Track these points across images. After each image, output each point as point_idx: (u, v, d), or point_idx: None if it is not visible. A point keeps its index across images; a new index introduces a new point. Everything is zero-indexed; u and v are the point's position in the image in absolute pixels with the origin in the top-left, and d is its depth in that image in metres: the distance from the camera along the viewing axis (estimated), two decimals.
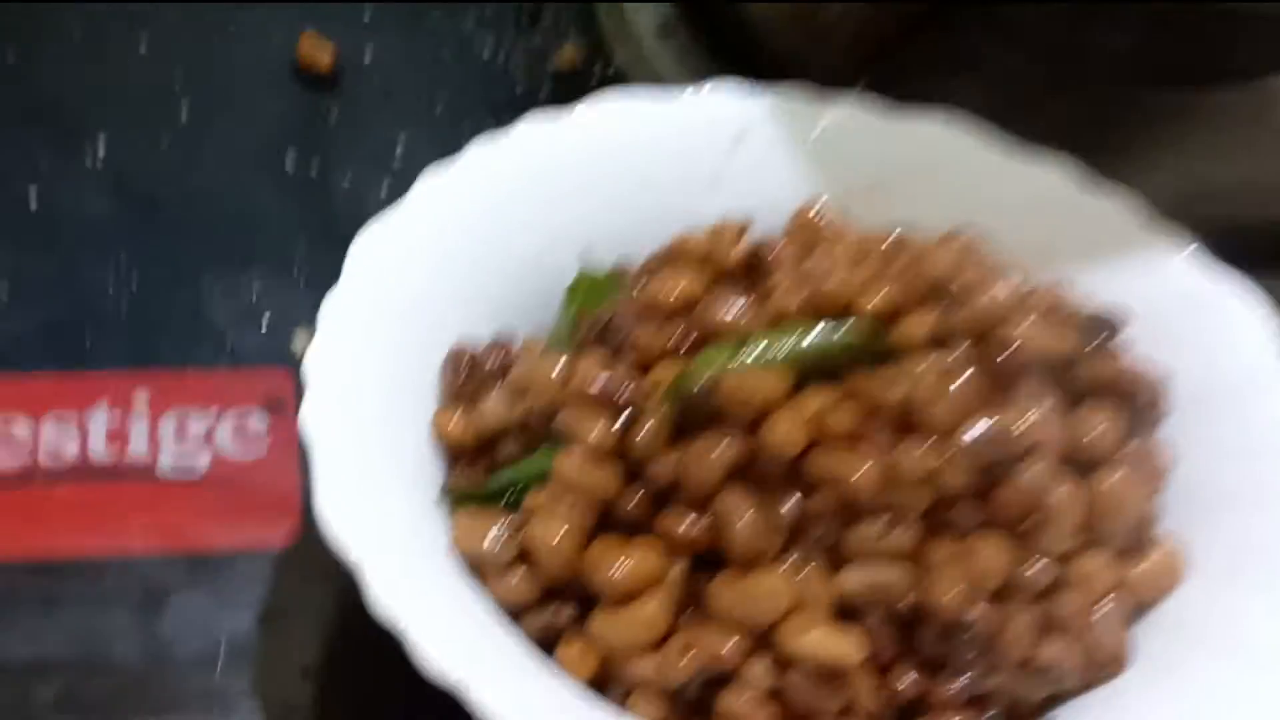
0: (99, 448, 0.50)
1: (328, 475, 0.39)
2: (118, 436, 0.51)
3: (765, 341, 0.40)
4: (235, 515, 0.49)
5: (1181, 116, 0.56)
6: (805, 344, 0.40)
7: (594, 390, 0.40)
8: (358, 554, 0.37)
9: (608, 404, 0.40)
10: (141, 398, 0.52)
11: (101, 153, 0.59)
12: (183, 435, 0.51)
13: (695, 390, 0.39)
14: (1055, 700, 0.41)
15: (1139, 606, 0.42)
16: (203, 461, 0.50)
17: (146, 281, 0.55)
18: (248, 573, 0.48)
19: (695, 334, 0.42)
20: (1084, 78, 0.57)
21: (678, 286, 0.43)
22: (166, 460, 0.50)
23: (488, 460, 0.43)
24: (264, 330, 0.54)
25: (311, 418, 0.40)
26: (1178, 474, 0.43)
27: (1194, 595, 0.41)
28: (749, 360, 0.40)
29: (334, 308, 0.42)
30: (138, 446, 0.51)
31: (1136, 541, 0.42)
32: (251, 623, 0.47)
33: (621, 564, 0.39)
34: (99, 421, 0.51)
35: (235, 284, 0.55)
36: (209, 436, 0.51)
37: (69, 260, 0.56)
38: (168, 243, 0.57)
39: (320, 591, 0.47)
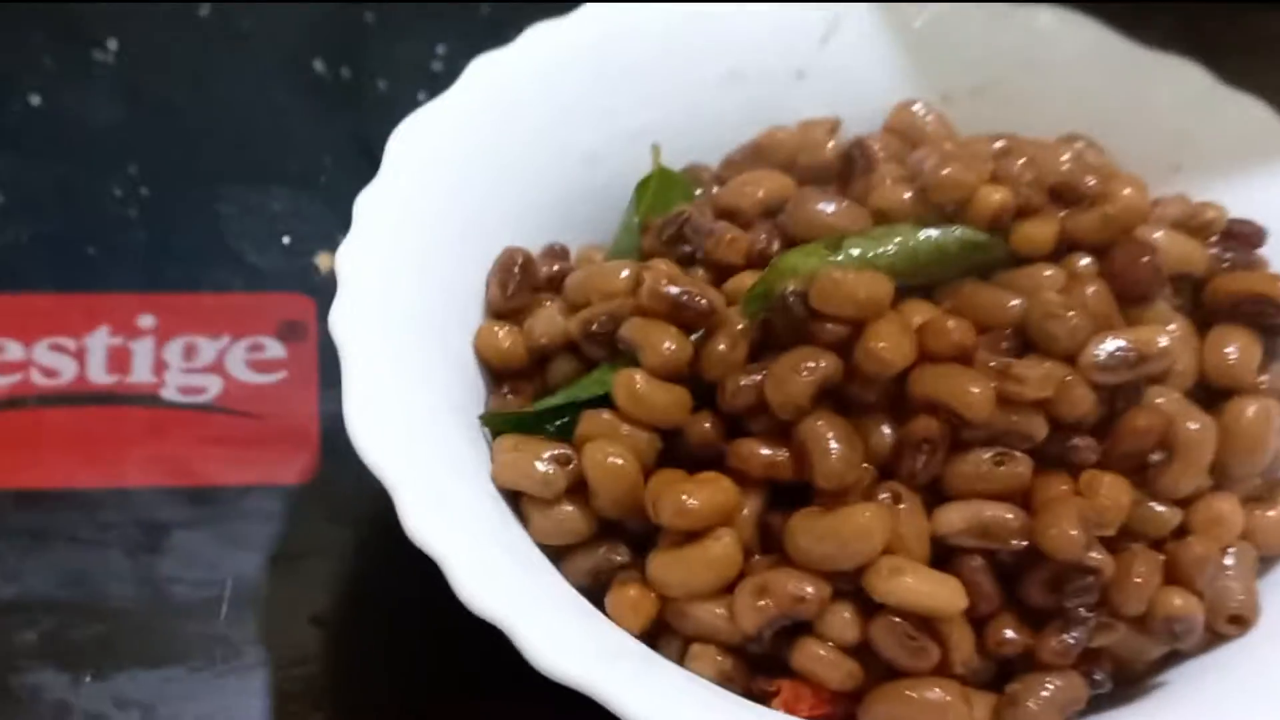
0: (98, 370, 0.48)
1: (360, 386, 0.36)
2: (119, 359, 0.48)
3: (865, 242, 0.37)
4: (246, 448, 0.46)
5: None
6: (913, 244, 0.37)
7: (665, 299, 0.38)
8: (393, 475, 0.34)
9: (680, 315, 0.38)
10: (148, 321, 0.49)
11: (113, 51, 0.57)
12: (191, 360, 0.49)
13: (782, 296, 0.36)
14: (1169, 661, 0.38)
15: (1269, 558, 0.39)
16: (212, 388, 0.48)
17: (157, 196, 0.52)
18: (257, 511, 0.45)
19: (782, 240, 0.39)
20: None
21: (763, 185, 0.41)
22: (172, 386, 0.48)
23: (538, 381, 0.41)
24: (284, 251, 0.51)
25: (342, 320, 0.37)
26: None
27: None
28: (846, 262, 0.37)
29: (371, 202, 0.40)
30: (141, 371, 0.48)
31: (1268, 484, 0.39)
32: (260, 565, 0.44)
33: (689, 497, 0.36)
34: (99, 344, 0.49)
35: (253, 201, 0.52)
36: (219, 362, 0.48)
37: (73, 170, 0.53)
38: (182, 154, 0.54)
39: (336, 534, 0.44)
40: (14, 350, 0.48)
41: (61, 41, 0.56)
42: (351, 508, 0.45)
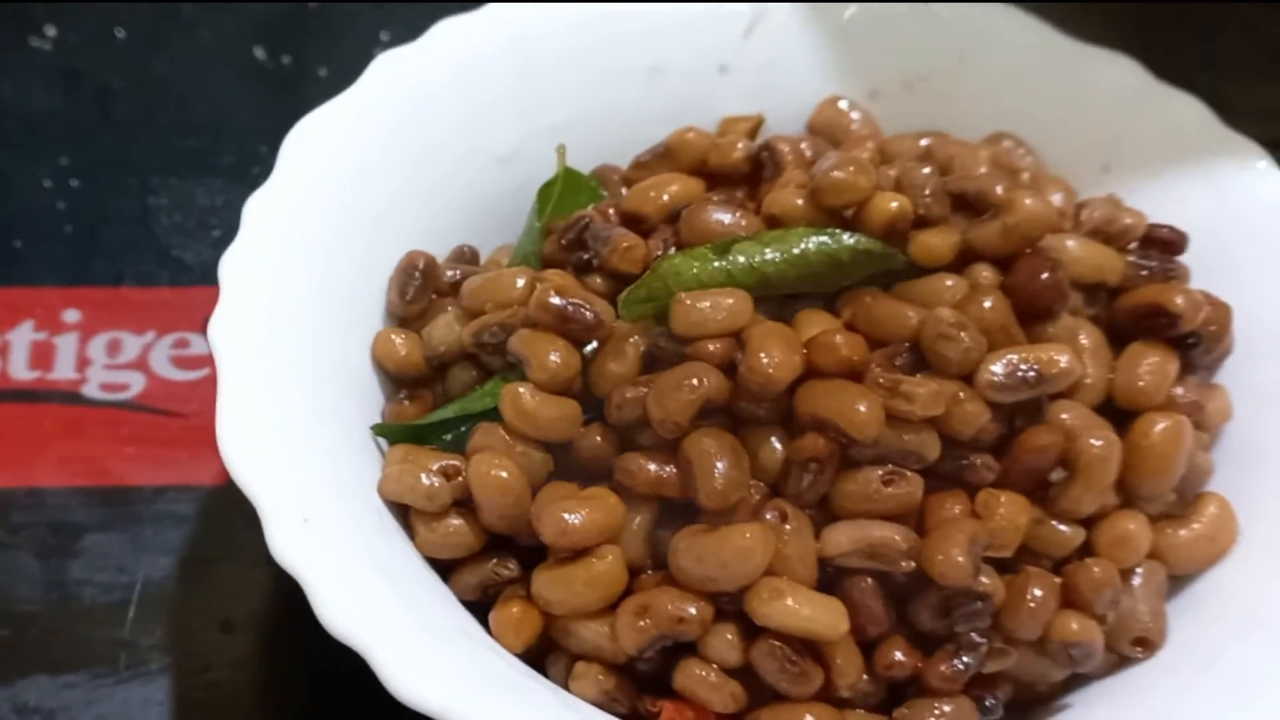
0: (19, 367, 0.48)
1: (233, 398, 0.36)
2: (43, 355, 0.48)
3: (753, 247, 0.37)
4: (164, 448, 0.46)
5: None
6: (801, 250, 0.37)
7: (552, 310, 0.37)
8: (255, 489, 0.35)
9: (568, 327, 0.37)
10: (73, 316, 0.50)
11: (51, 38, 0.57)
12: (115, 356, 0.49)
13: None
14: (1074, 684, 0.38)
15: (1179, 578, 0.39)
16: (135, 385, 0.48)
17: (88, 187, 0.53)
18: (171, 513, 0.45)
19: (679, 247, 0.39)
20: None
21: (668, 189, 0.40)
22: (94, 382, 0.48)
23: (438, 388, 0.41)
24: (214, 245, 0.51)
25: (220, 331, 0.37)
26: (1235, 425, 0.40)
27: (1246, 566, 0.38)
28: (729, 268, 0.37)
29: (260, 205, 0.40)
30: (64, 367, 0.48)
31: (1181, 502, 0.39)
32: (171, 569, 0.44)
33: (570, 515, 0.36)
34: (23, 339, 0.49)
35: (186, 193, 0.53)
36: (144, 358, 0.49)
37: (4, 160, 0.53)
38: (116, 144, 0.54)
39: (250, 538, 0.43)
40: None
41: None
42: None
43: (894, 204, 0.37)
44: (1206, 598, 0.38)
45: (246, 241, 0.39)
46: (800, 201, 0.38)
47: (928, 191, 0.38)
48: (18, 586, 0.44)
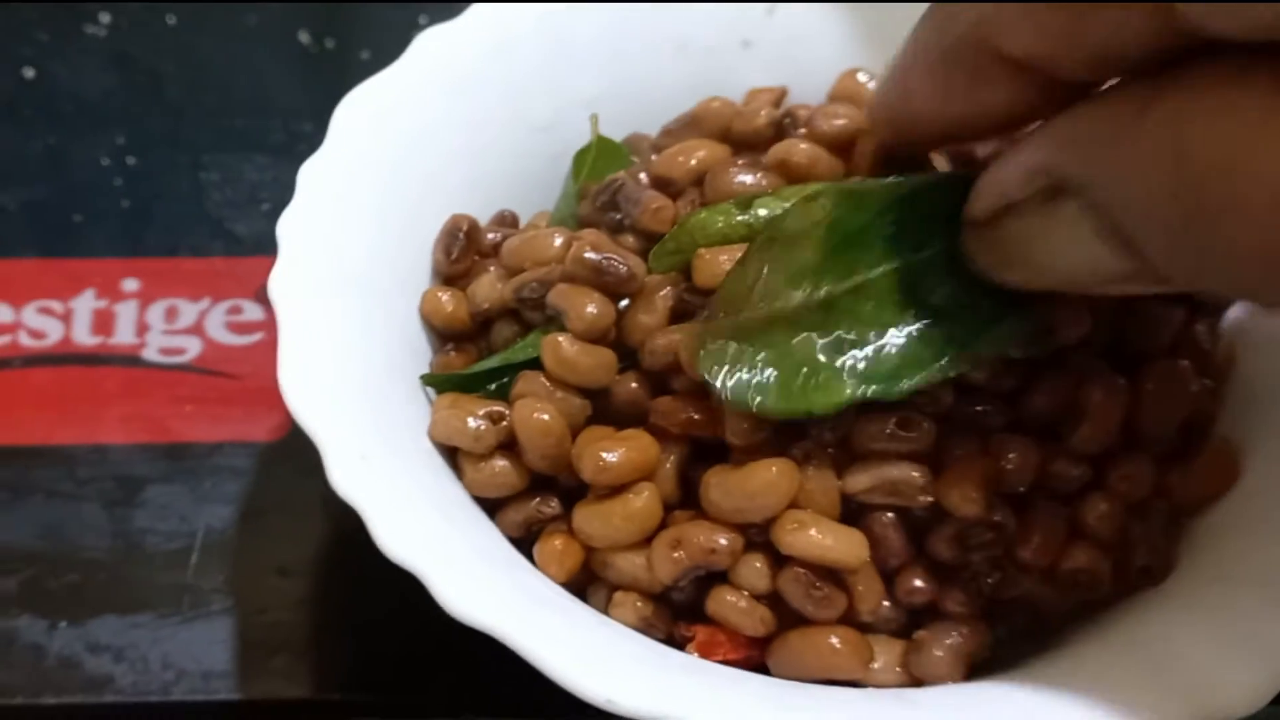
0: (83, 332, 0.51)
1: (294, 347, 0.39)
2: (104, 322, 0.51)
3: (774, 201, 0.39)
4: (221, 406, 0.49)
5: None
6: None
7: (588, 265, 0.40)
8: (316, 428, 0.37)
9: (602, 280, 0.40)
10: (131, 285, 0.53)
11: (105, 24, 0.60)
12: (172, 322, 0.52)
13: (678, 263, 0.39)
14: (1087, 609, 0.40)
15: (1184, 513, 0.41)
16: (191, 350, 0.51)
17: (142, 164, 0.56)
18: (229, 467, 0.48)
19: (706, 205, 0.42)
20: None
21: (695, 154, 0.43)
22: (153, 347, 0.51)
23: (482, 343, 0.43)
24: (263, 218, 0.54)
25: (280, 285, 0.40)
26: (1242, 369, 0.42)
27: (1248, 504, 0.40)
28: (750, 221, 0.39)
29: (314, 171, 0.42)
30: (124, 332, 0.51)
31: (1187, 443, 0.41)
32: (230, 519, 0.47)
33: (608, 453, 0.38)
34: (85, 307, 0.52)
35: (235, 169, 0.56)
36: (199, 325, 0.52)
37: (63, 140, 0.56)
38: (168, 124, 0.57)
39: (304, 490, 0.47)
40: (3, 313, 0.51)
41: (56, 15, 0.60)
42: (319, 465, 0.47)
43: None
44: (1210, 532, 0.41)
45: (302, 204, 0.42)
46: (806, 146, 0.41)
47: None
48: (86, 535, 0.47)
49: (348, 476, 0.37)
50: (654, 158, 0.44)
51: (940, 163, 0.42)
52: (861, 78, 0.46)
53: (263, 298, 0.52)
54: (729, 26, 0.48)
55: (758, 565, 0.38)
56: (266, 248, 0.53)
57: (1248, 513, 0.40)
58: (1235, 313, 0.43)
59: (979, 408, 0.39)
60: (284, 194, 0.44)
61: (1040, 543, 0.38)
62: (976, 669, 0.39)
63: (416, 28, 0.59)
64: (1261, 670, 0.36)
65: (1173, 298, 0.41)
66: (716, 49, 0.48)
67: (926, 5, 0.42)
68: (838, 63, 0.47)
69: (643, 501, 0.39)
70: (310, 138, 0.56)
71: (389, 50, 0.52)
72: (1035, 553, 0.38)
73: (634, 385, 0.40)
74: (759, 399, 0.37)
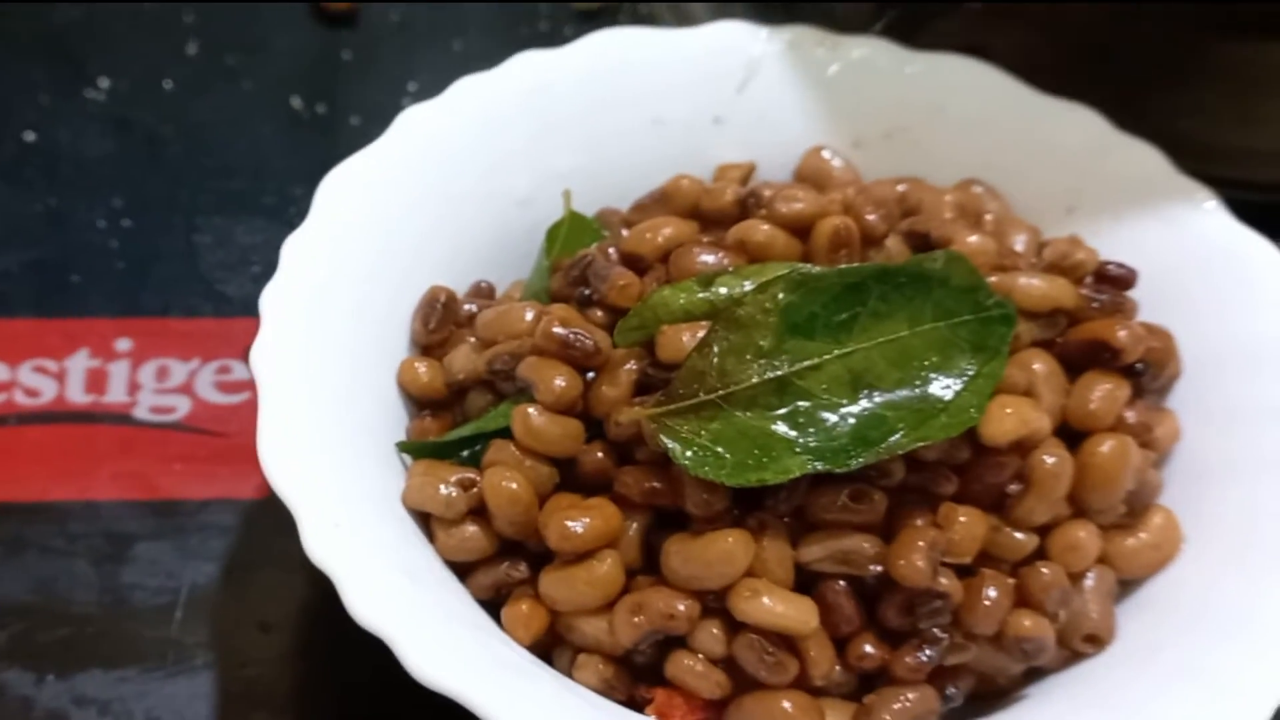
0: (76, 391, 0.53)
1: (272, 416, 0.40)
2: (97, 381, 0.53)
3: (733, 280, 0.41)
4: (208, 465, 0.51)
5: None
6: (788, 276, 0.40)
7: (556, 339, 0.42)
8: (292, 496, 0.39)
9: (569, 354, 0.42)
10: (124, 345, 0.54)
11: (105, 89, 0.62)
12: (163, 381, 0.53)
13: (641, 338, 0.41)
14: (1032, 676, 0.42)
15: (1128, 582, 0.43)
16: (181, 409, 0.53)
17: (138, 226, 0.58)
18: (215, 524, 0.50)
19: (670, 282, 0.43)
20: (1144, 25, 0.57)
21: (662, 232, 0.45)
22: (144, 405, 0.53)
23: (457, 410, 0.45)
24: (253, 280, 0.56)
25: (261, 357, 0.42)
26: (1184, 443, 0.44)
27: (1189, 571, 0.42)
28: (711, 299, 0.41)
29: (298, 244, 0.44)
30: (116, 391, 0.53)
31: (1132, 513, 0.43)
32: (214, 574, 0.48)
33: (573, 522, 0.40)
34: (79, 366, 0.54)
35: (229, 230, 0.58)
36: (189, 384, 0.53)
37: (62, 201, 0.58)
38: (164, 186, 0.59)
39: (287, 547, 0.47)
40: (0, 371, 0.53)
41: (57, 80, 0.62)
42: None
43: (836, 221, 0.42)
44: (1152, 600, 0.42)
45: (285, 277, 0.44)
46: (766, 228, 0.43)
47: (870, 210, 0.43)
48: (75, 590, 0.48)
49: (321, 544, 0.38)
50: (624, 233, 0.46)
51: (895, 242, 0.43)
52: (826, 155, 0.48)
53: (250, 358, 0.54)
54: (702, 104, 0.50)
55: (714, 631, 0.40)
56: (256, 309, 0.55)
57: (1190, 577, 0.42)
58: (1181, 387, 0.45)
59: (930, 479, 0.41)
60: (274, 256, 0.46)
61: (986, 610, 0.40)
62: None
63: (406, 95, 0.62)
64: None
65: (1120, 372, 0.43)
66: (690, 125, 0.50)
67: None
68: (806, 138, 0.49)
69: (606, 568, 0.40)
70: (300, 201, 0.58)
71: (378, 117, 0.55)
72: (982, 620, 0.40)
73: (600, 455, 0.42)
74: (716, 470, 0.39)
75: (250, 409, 0.52)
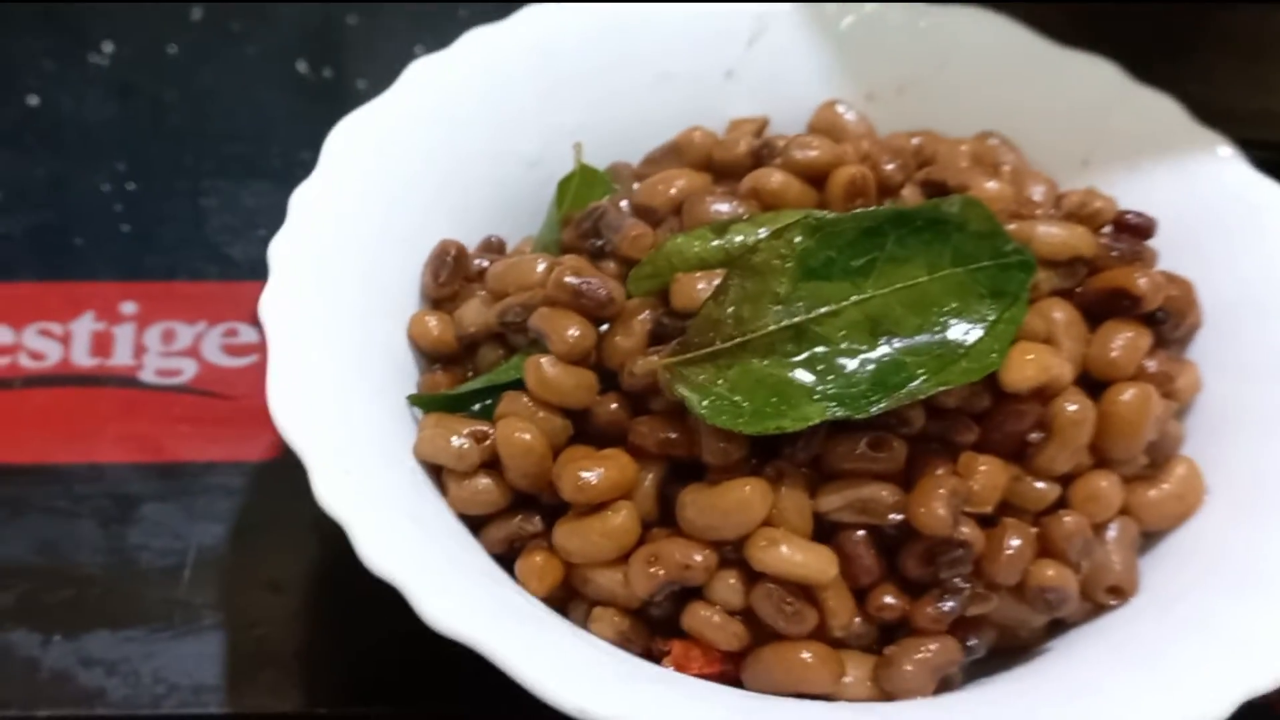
0: (82, 354, 0.52)
1: (282, 366, 0.40)
2: (102, 344, 0.53)
3: (748, 227, 0.41)
4: (215, 427, 0.50)
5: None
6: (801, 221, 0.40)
7: (568, 289, 0.41)
8: (302, 444, 0.38)
9: (582, 304, 0.41)
10: (129, 308, 0.54)
11: (109, 54, 0.61)
12: (169, 344, 0.53)
13: (655, 286, 0.40)
14: (1056, 628, 0.41)
15: (1150, 532, 0.42)
16: (187, 371, 0.52)
17: (142, 190, 0.57)
18: (222, 486, 0.49)
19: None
20: None
21: (675, 183, 0.44)
22: (150, 368, 0.52)
23: (469, 365, 0.44)
24: (259, 243, 0.55)
25: (270, 307, 0.41)
26: (1206, 394, 0.43)
27: (1211, 523, 0.41)
28: (725, 246, 0.40)
29: (306, 196, 0.44)
30: (122, 354, 0.52)
31: (1154, 464, 0.42)
32: (222, 536, 0.48)
33: (587, 473, 0.39)
34: (84, 329, 0.53)
35: (234, 194, 0.57)
36: (195, 347, 0.53)
37: (66, 166, 0.57)
38: (168, 150, 0.58)
39: (295, 508, 0.47)
40: (4, 335, 0.53)
41: (61, 45, 0.61)
42: (310, 484, 0.49)
43: (853, 169, 0.42)
44: (1174, 551, 0.42)
45: (293, 228, 0.43)
46: (780, 175, 0.42)
47: (886, 159, 0.42)
48: (81, 551, 0.47)
49: (332, 491, 0.38)
50: (636, 186, 0.45)
51: (911, 192, 0.43)
52: (840, 109, 0.47)
53: (257, 321, 0.53)
54: (712, 58, 0.49)
55: (731, 581, 0.39)
56: (262, 272, 0.54)
57: (1212, 528, 0.41)
58: (1201, 338, 0.44)
59: (950, 427, 0.40)
60: (280, 220, 0.45)
61: (1008, 560, 0.39)
62: (947, 683, 0.40)
63: (412, 58, 0.60)
64: (1238, 673, 0.37)
65: (1141, 321, 0.42)
66: (699, 79, 0.49)
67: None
68: (818, 93, 0.49)
69: (621, 519, 0.40)
70: (307, 165, 0.57)
71: (385, 80, 0.54)
72: (1004, 570, 0.39)
73: (614, 406, 0.41)
74: (734, 418, 0.38)
75: (257, 372, 0.52)
